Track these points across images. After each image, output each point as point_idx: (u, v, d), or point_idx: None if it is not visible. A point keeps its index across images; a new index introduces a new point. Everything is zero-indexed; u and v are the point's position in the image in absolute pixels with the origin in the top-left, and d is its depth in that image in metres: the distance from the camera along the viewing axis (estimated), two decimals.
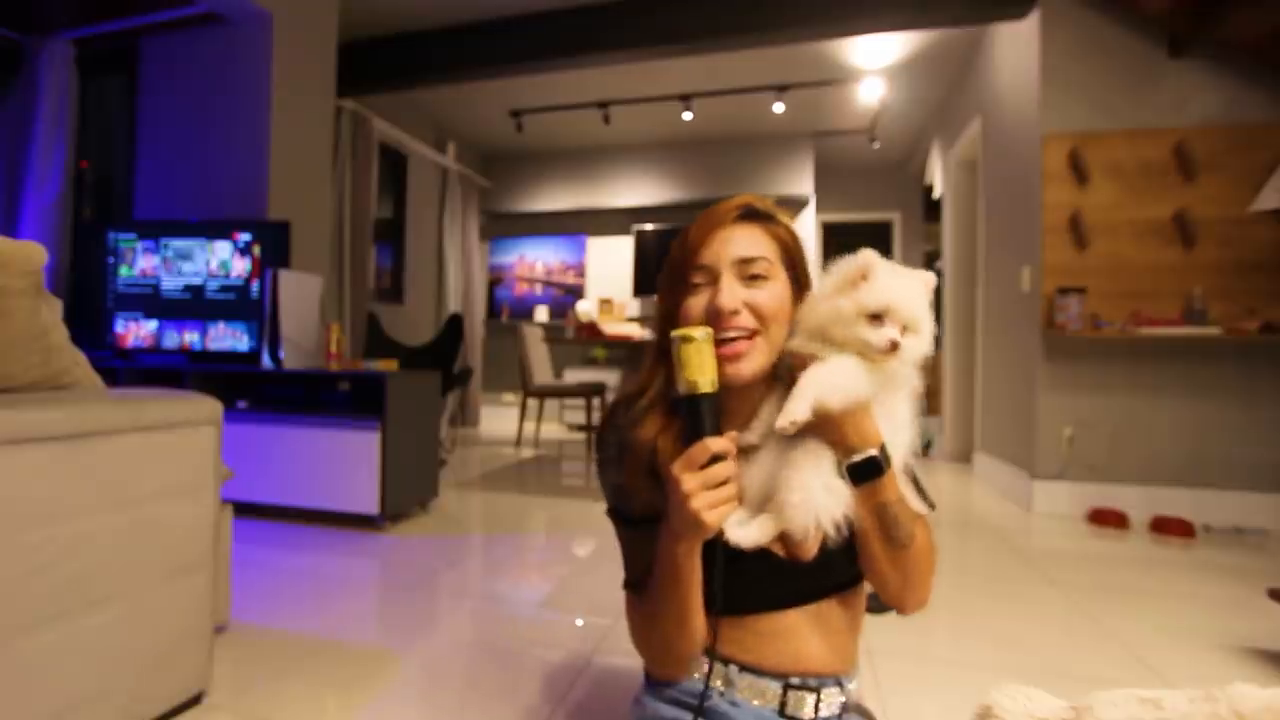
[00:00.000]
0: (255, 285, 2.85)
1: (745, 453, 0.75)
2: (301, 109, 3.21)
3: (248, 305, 2.86)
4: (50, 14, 3.18)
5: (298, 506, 2.49)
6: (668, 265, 0.82)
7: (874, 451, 0.69)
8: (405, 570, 2.05)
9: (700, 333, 0.67)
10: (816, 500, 0.69)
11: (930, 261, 6.34)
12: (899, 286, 0.69)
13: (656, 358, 0.81)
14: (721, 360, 0.72)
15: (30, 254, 1.09)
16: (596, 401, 4.69)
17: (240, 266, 2.86)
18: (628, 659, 1.43)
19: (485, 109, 5.17)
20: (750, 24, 3.45)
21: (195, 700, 1.21)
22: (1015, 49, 3.28)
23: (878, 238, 6.52)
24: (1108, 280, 2.81)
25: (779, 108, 4.76)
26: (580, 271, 6.05)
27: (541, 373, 4.74)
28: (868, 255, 0.70)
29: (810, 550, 0.72)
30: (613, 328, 5.05)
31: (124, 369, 2.74)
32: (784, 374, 0.76)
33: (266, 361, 2.62)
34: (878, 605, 0.86)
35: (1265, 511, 2.68)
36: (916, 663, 1.45)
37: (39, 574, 0.93)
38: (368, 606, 1.83)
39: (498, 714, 1.22)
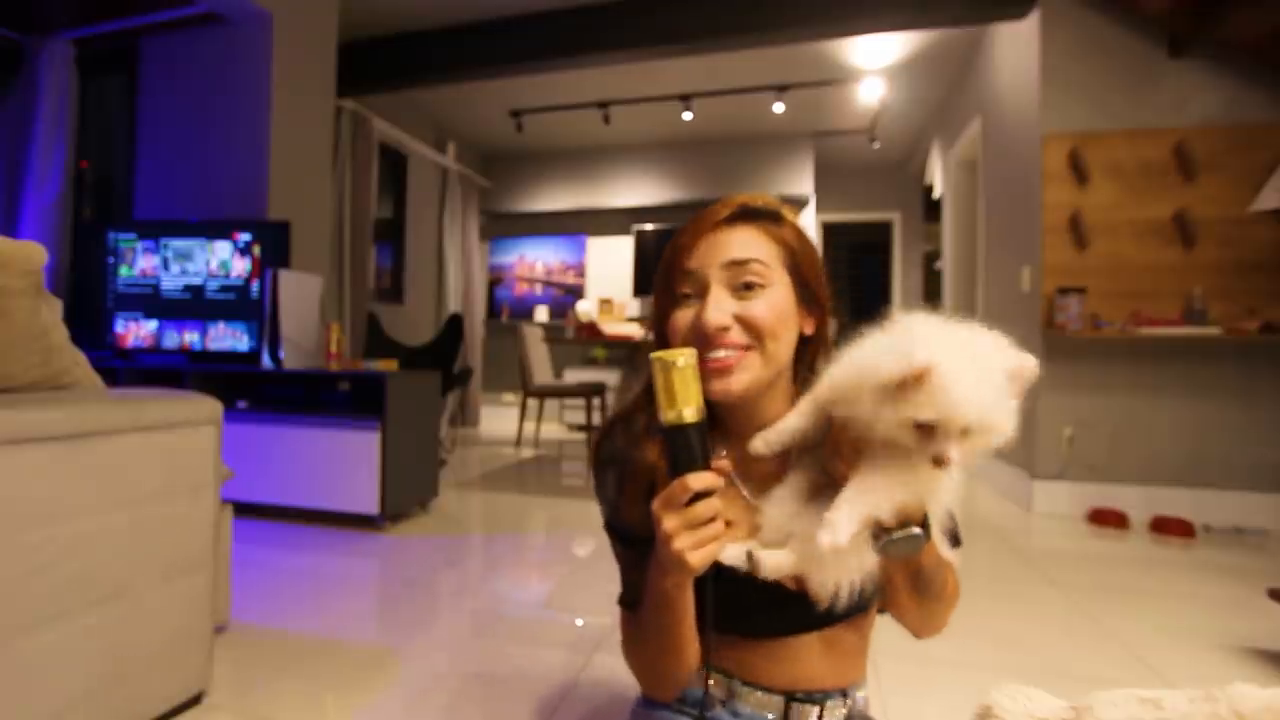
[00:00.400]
0: (255, 285, 2.85)
1: (768, 478, 0.69)
2: (301, 109, 3.21)
3: (248, 305, 2.85)
4: (50, 14, 3.18)
5: (298, 506, 2.49)
6: (657, 272, 0.75)
7: (916, 529, 0.60)
8: (405, 570, 2.05)
9: (682, 358, 0.59)
10: (845, 571, 0.64)
11: (930, 261, 6.34)
12: (966, 390, 0.50)
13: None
14: (708, 374, 0.66)
15: (30, 254, 1.09)
16: (596, 401, 4.69)
17: (240, 266, 2.86)
18: None
19: (485, 109, 5.17)
20: (750, 24, 3.45)
21: (195, 700, 1.21)
22: (1015, 49, 3.28)
23: (878, 238, 6.53)
24: (1108, 280, 2.81)
25: (779, 108, 4.77)
26: (580, 271, 6.05)
27: (541, 373, 4.74)
28: (924, 350, 0.50)
29: (823, 604, 0.67)
30: (613, 328, 5.06)
31: (124, 369, 2.74)
32: (814, 428, 0.66)
33: (266, 361, 2.62)
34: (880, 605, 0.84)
35: (1265, 511, 2.68)
36: (917, 663, 1.45)
37: (39, 574, 0.93)
38: (367, 606, 1.83)
39: (498, 714, 1.22)
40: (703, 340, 0.68)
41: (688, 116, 4.92)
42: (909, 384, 0.51)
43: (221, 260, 2.88)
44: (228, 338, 2.88)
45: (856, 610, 0.72)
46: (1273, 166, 2.62)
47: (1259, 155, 2.68)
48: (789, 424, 0.66)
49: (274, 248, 2.83)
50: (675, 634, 0.68)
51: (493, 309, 6.24)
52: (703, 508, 0.58)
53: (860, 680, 0.80)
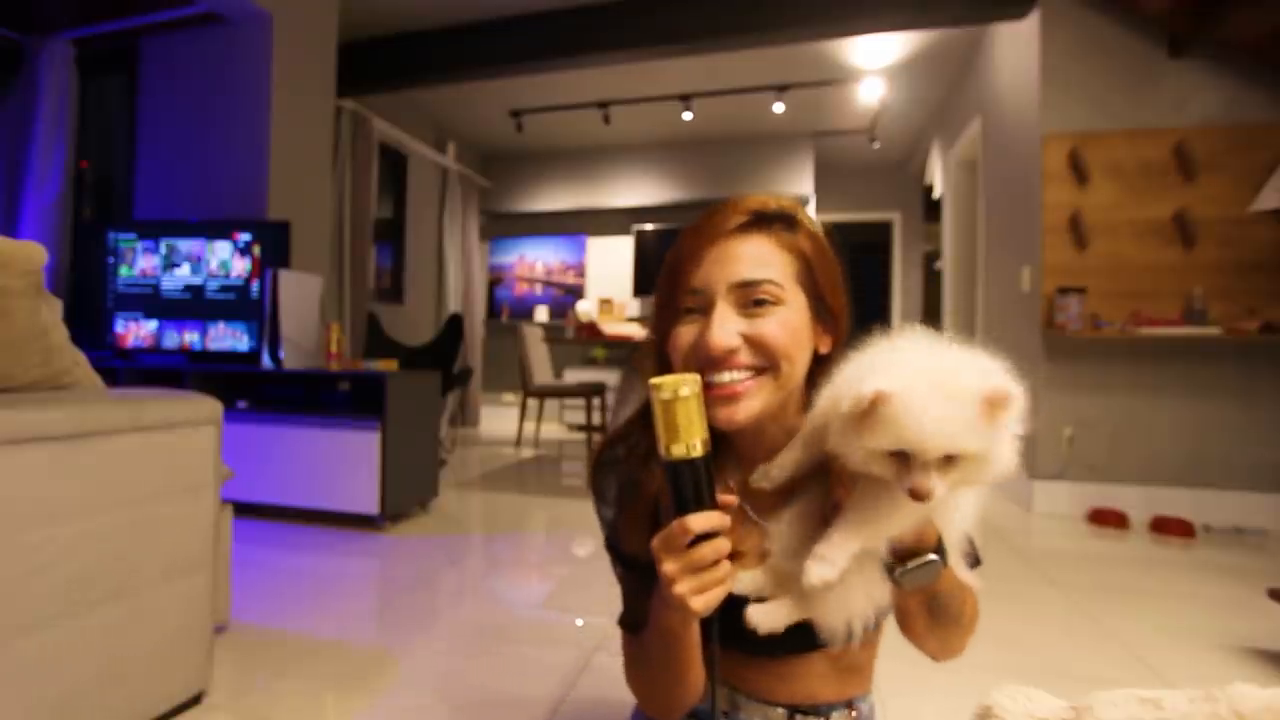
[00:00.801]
0: (255, 285, 2.85)
1: (777, 497, 0.64)
2: (301, 109, 3.21)
3: (248, 305, 2.85)
4: (50, 14, 3.18)
5: (298, 506, 2.49)
6: (659, 277, 0.69)
7: (932, 556, 0.57)
8: (405, 570, 2.05)
9: (685, 387, 0.53)
10: (854, 608, 0.60)
11: (930, 261, 6.34)
12: (925, 416, 0.47)
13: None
14: (711, 400, 0.60)
15: (30, 254, 1.09)
16: (596, 401, 4.69)
17: (240, 266, 2.86)
18: None
19: (485, 109, 5.17)
20: (750, 24, 3.45)
21: (195, 700, 1.21)
22: (1015, 49, 3.28)
23: (878, 238, 6.53)
24: (1108, 280, 2.81)
25: (779, 108, 4.76)
26: (580, 271, 6.05)
27: (541, 373, 4.74)
28: (874, 378, 0.49)
29: (837, 645, 0.63)
30: (613, 328, 5.04)
31: (124, 369, 2.74)
32: (809, 438, 0.62)
33: (266, 361, 2.62)
34: None
35: (1265, 511, 2.68)
36: (916, 663, 1.45)
37: (39, 574, 0.93)
38: (367, 606, 1.83)
39: (497, 714, 1.22)
40: (706, 362, 0.62)
41: (688, 116, 4.92)
42: (864, 415, 0.50)
43: (221, 260, 2.88)
44: (228, 338, 2.88)
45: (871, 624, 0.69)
46: (1273, 166, 2.62)
47: (1259, 155, 2.68)
48: (789, 456, 0.62)
49: (274, 248, 2.83)
50: (681, 664, 0.64)
51: (493, 309, 6.24)
52: (707, 550, 0.53)
53: (866, 690, 0.78)
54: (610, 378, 5.37)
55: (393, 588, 1.94)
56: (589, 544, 2.36)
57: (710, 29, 3.51)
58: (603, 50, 3.71)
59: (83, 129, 3.32)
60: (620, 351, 5.62)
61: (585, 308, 5.66)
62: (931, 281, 6.25)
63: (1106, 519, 2.73)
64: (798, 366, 0.64)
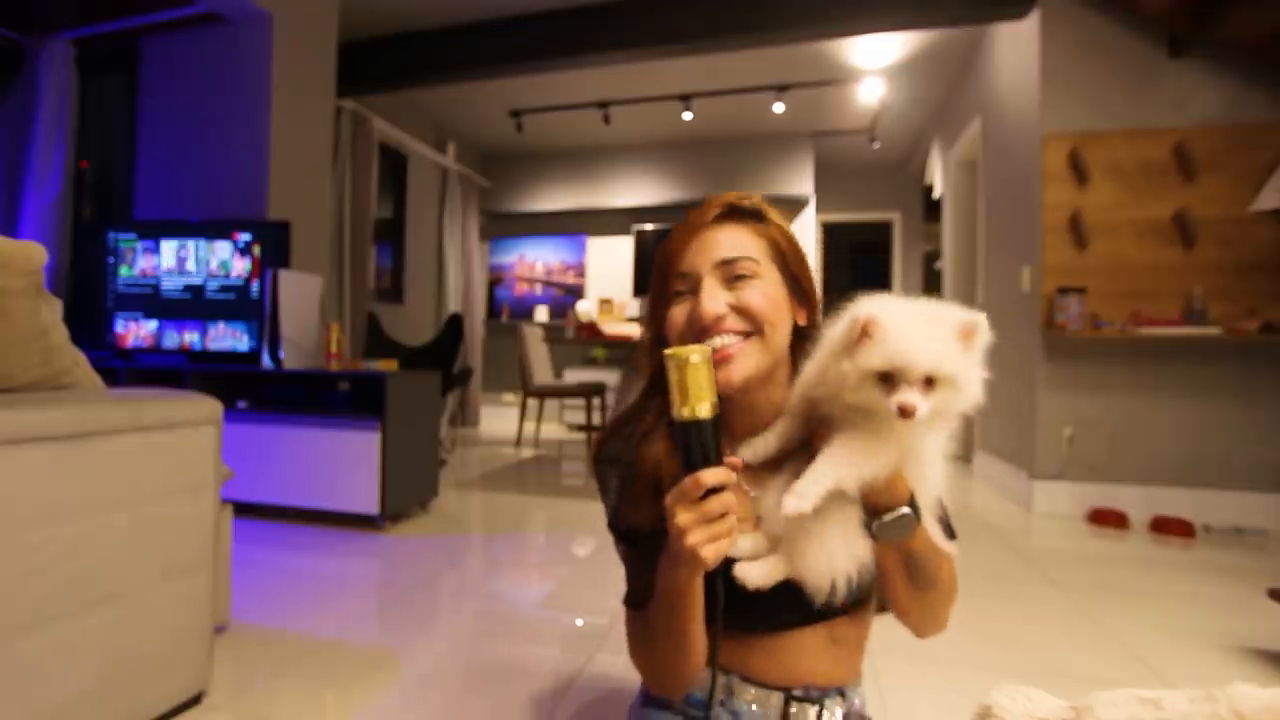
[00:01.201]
0: (255, 285, 2.85)
1: (766, 469, 0.71)
2: (301, 109, 3.22)
3: (248, 305, 2.86)
4: (50, 14, 3.18)
5: (298, 506, 2.49)
6: (652, 276, 0.77)
7: (905, 510, 0.63)
8: (405, 570, 2.05)
9: (696, 354, 0.60)
10: (836, 562, 0.65)
11: (930, 261, 6.35)
12: (910, 338, 0.56)
13: (656, 371, 0.76)
14: None
15: (30, 254, 1.09)
16: (596, 401, 4.69)
17: (240, 266, 2.86)
18: (628, 660, 1.43)
19: (485, 109, 5.17)
20: (750, 24, 3.45)
21: (195, 700, 1.21)
22: (1015, 49, 3.28)
23: (878, 238, 6.53)
24: (1108, 280, 2.81)
25: (779, 108, 4.76)
26: (580, 271, 6.05)
27: (541, 373, 4.74)
28: (866, 307, 0.59)
29: (823, 601, 0.68)
30: (612, 328, 5.05)
31: (124, 369, 2.74)
32: (796, 408, 0.70)
33: (266, 361, 2.62)
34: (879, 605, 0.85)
35: (1265, 511, 2.68)
36: (916, 662, 1.45)
37: (39, 574, 0.93)
38: (367, 606, 1.83)
39: (497, 714, 1.22)
40: (700, 331, 0.70)
41: (688, 116, 4.92)
42: (857, 340, 0.58)
43: (221, 260, 2.88)
44: (228, 338, 2.88)
45: (856, 603, 0.73)
46: (1273, 166, 2.62)
47: (1259, 155, 2.68)
48: (776, 429, 0.71)
49: (274, 248, 2.83)
50: (685, 630, 0.68)
51: (493, 309, 6.24)
52: (716, 503, 0.59)
53: (857, 680, 0.80)
54: (610, 378, 5.37)
55: (393, 588, 1.94)
56: (589, 544, 2.36)
57: (710, 29, 3.51)
58: (603, 50, 3.71)
59: (83, 129, 3.32)
60: (620, 351, 5.62)
61: (585, 308, 5.66)
62: (931, 281, 6.25)
63: (1106, 519, 2.73)
64: (779, 330, 0.72)
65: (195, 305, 2.91)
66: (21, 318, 1.08)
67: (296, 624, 1.63)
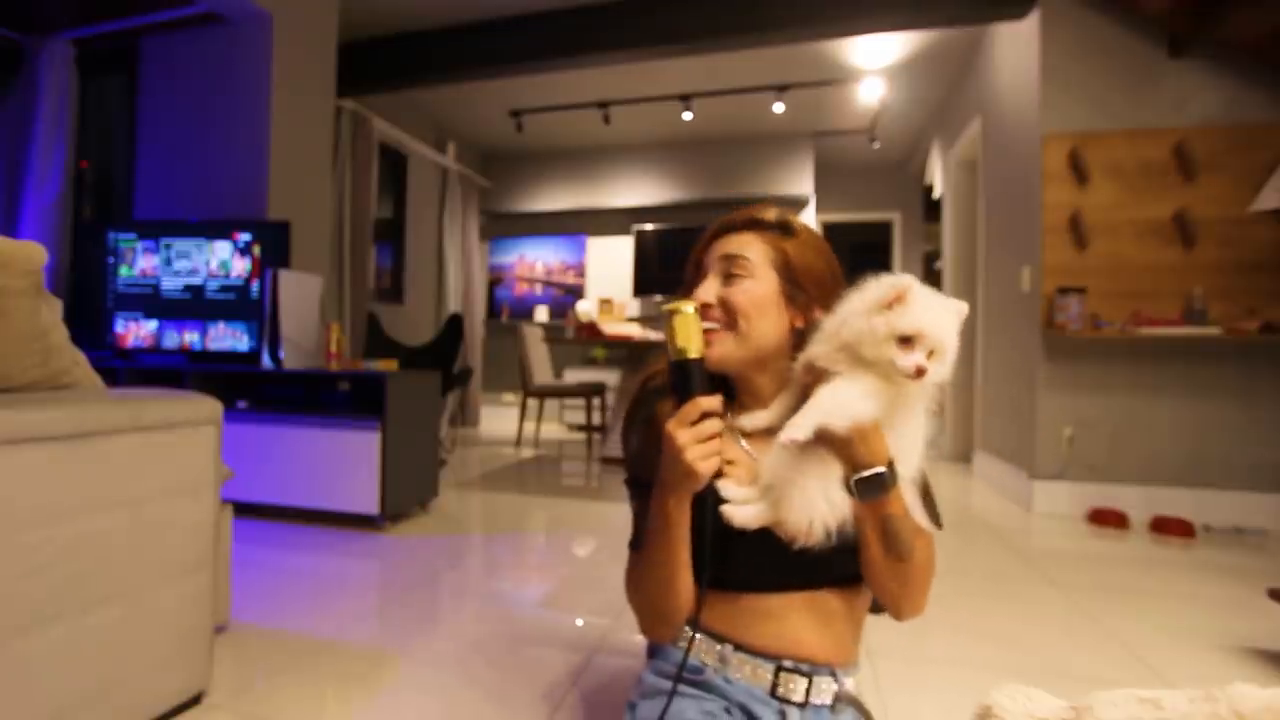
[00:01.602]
0: (255, 285, 2.85)
1: (765, 436, 0.79)
2: (301, 109, 3.21)
3: (248, 305, 2.85)
4: (50, 14, 3.18)
5: (298, 506, 2.49)
6: (687, 264, 0.92)
7: (881, 469, 0.71)
8: (405, 570, 2.05)
9: (689, 307, 0.74)
10: (815, 508, 0.71)
11: (930, 261, 6.35)
12: (934, 313, 0.68)
13: None
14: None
15: (30, 254, 1.09)
16: (596, 401, 4.69)
17: (240, 266, 2.86)
18: (628, 659, 1.43)
19: (485, 109, 5.17)
20: (750, 24, 3.45)
21: (195, 700, 1.21)
22: (1015, 49, 3.28)
23: (878, 238, 6.52)
24: (1108, 280, 2.81)
25: (779, 108, 4.76)
26: (580, 271, 6.05)
27: (541, 373, 4.74)
28: (906, 279, 0.69)
29: (802, 543, 0.75)
30: (613, 328, 5.04)
31: (124, 369, 2.74)
32: (799, 378, 0.77)
33: (266, 361, 2.62)
34: (875, 605, 0.86)
35: (1265, 511, 2.68)
36: (916, 663, 1.45)
37: (39, 574, 0.93)
38: (368, 606, 1.83)
39: (497, 714, 1.22)
40: (702, 313, 0.81)
41: (688, 116, 4.92)
42: (894, 301, 0.68)
43: (221, 260, 2.88)
44: (228, 338, 2.88)
45: (842, 580, 0.78)
46: (1273, 166, 2.62)
47: (1259, 155, 2.68)
48: (776, 402, 0.81)
49: (274, 248, 2.83)
50: (672, 562, 0.77)
51: (493, 309, 6.24)
52: (709, 425, 0.71)
53: (852, 665, 0.83)
54: (610, 378, 5.37)
55: (393, 588, 1.94)
56: (589, 544, 2.36)
57: (710, 29, 3.51)
58: (603, 50, 3.71)
59: (83, 129, 3.32)
60: (620, 351, 5.62)
61: (585, 308, 5.66)
62: (932, 281, 6.22)
63: (1106, 519, 2.73)
64: (757, 327, 0.81)
65: (195, 305, 2.90)
66: (21, 318, 1.08)
67: (296, 624, 1.62)
